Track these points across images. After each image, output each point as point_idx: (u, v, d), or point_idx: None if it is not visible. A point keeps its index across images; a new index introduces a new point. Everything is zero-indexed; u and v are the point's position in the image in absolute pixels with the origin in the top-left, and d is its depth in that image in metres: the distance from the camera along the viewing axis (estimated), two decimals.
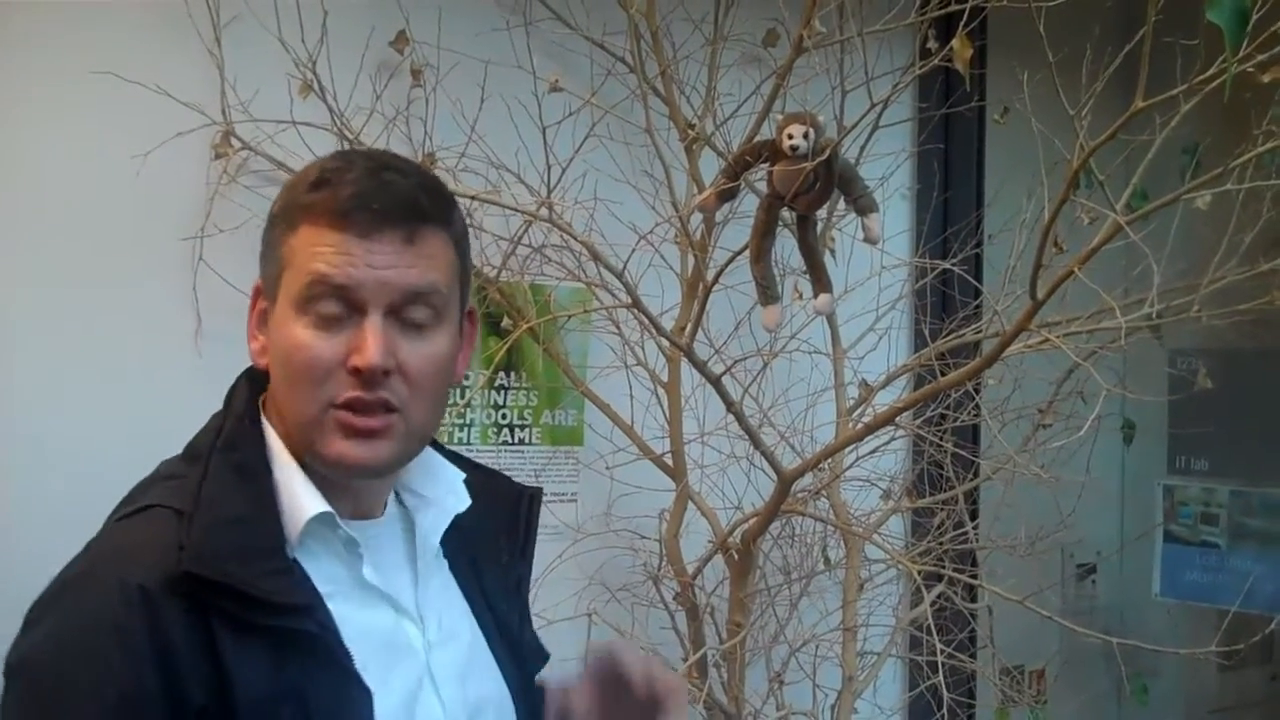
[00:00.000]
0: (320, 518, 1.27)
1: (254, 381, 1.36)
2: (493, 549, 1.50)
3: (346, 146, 2.41)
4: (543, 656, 1.55)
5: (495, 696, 1.43)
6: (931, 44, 2.56)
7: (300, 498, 1.27)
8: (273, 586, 1.21)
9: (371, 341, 1.24)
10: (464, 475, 1.47)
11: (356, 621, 1.28)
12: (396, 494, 1.44)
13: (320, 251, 1.25)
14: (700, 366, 2.27)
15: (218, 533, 1.22)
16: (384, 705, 1.26)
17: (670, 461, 2.63)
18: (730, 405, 2.28)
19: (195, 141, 2.35)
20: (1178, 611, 3.55)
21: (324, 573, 1.28)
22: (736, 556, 2.54)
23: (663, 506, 2.65)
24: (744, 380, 2.63)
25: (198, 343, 2.38)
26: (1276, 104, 1.77)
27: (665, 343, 2.52)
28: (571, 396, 2.76)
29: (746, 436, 2.36)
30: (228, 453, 1.29)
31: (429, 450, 1.44)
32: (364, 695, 1.25)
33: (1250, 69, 1.59)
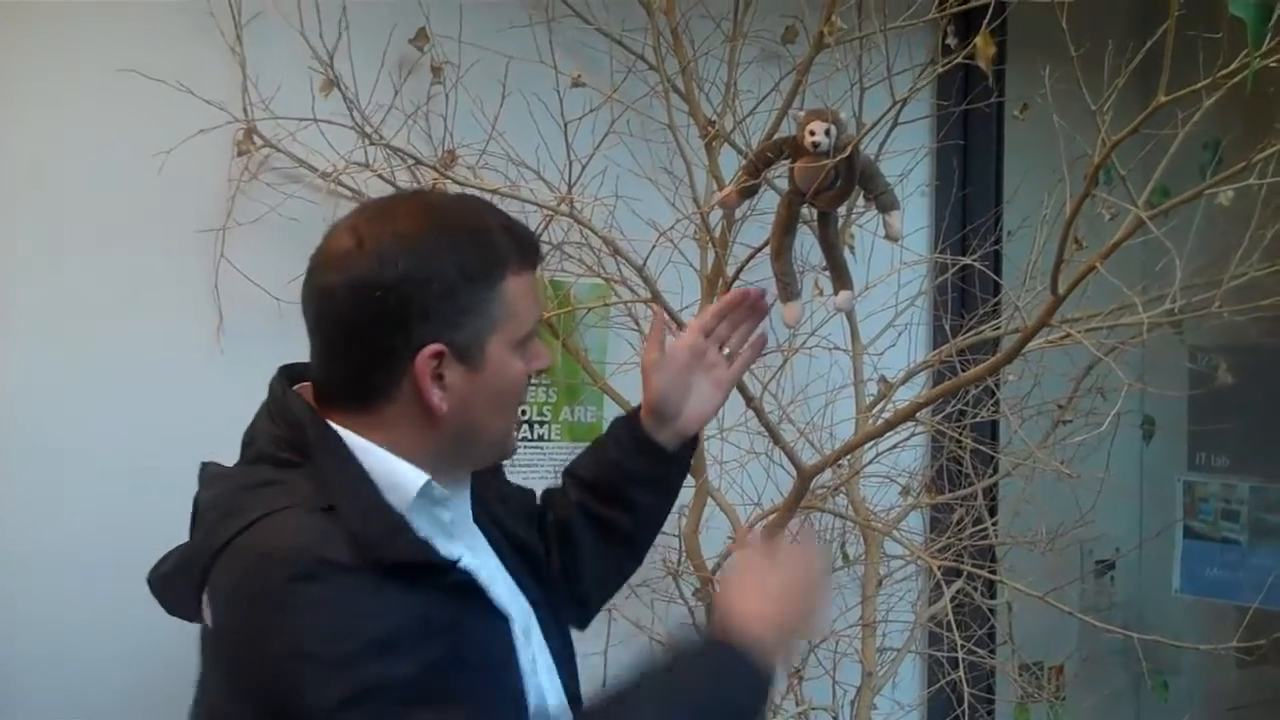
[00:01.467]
0: (423, 488, 1.42)
1: (295, 379, 1.50)
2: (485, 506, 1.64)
3: (368, 144, 2.42)
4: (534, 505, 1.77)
5: (525, 608, 1.57)
6: (951, 40, 2.56)
7: (401, 475, 1.41)
8: (426, 554, 1.37)
9: (547, 349, 1.53)
10: None
11: (473, 568, 1.45)
12: None
13: (532, 296, 1.48)
14: None
15: (366, 522, 1.35)
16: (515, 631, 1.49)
17: None
18: (750, 401, 2.28)
19: (217, 138, 2.36)
20: (1198, 608, 3.54)
21: (422, 526, 1.42)
22: None
23: (682, 502, 2.65)
24: (763, 376, 2.63)
25: (219, 338, 2.40)
26: None
27: None
28: (591, 392, 2.76)
29: (766, 432, 2.36)
30: (327, 451, 1.41)
31: None
32: (507, 626, 1.47)
33: (1274, 63, 1.59)
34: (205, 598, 1.37)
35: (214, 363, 2.39)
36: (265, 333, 2.38)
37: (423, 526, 1.42)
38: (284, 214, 2.43)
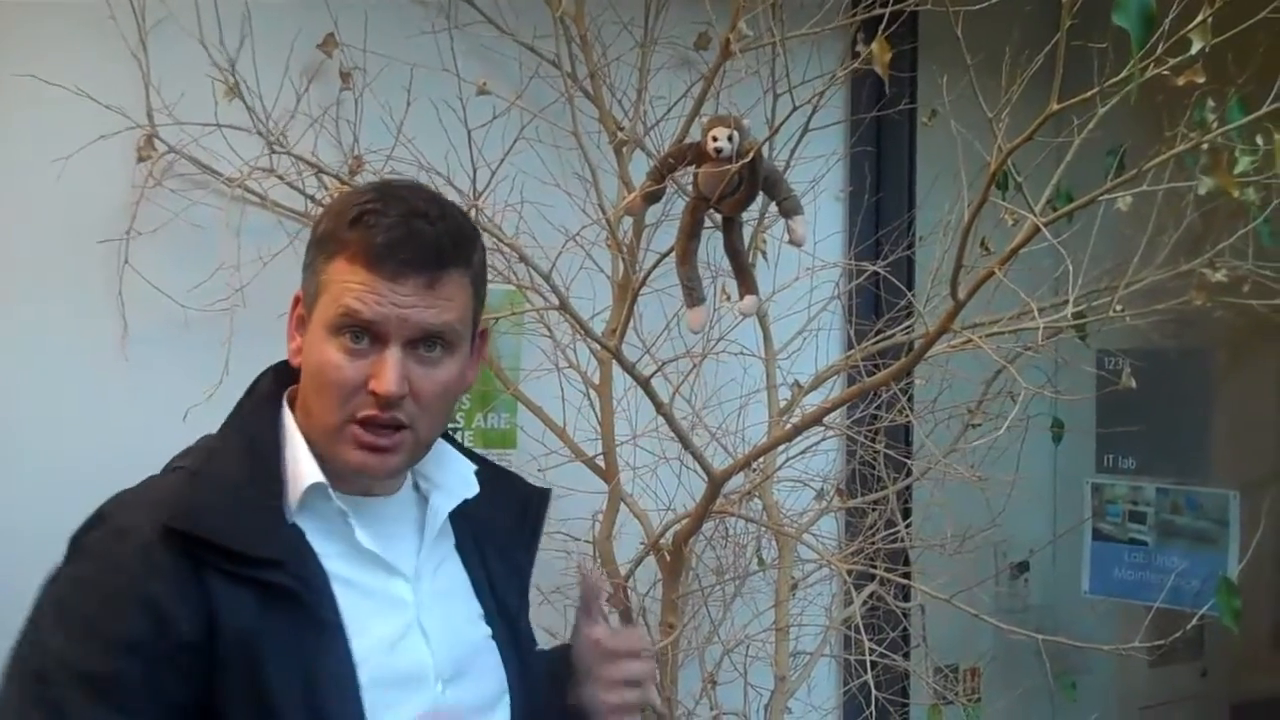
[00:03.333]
0: (314, 488, 1.46)
1: (280, 375, 1.57)
2: (499, 539, 1.69)
3: (272, 151, 2.40)
4: (534, 644, 1.76)
5: (492, 678, 1.60)
6: (860, 47, 2.58)
7: (301, 470, 1.47)
8: (250, 540, 1.39)
9: (390, 372, 1.44)
10: (475, 467, 1.66)
11: (345, 577, 1.46)
12: (414, 481, 1.63)
13: (352, 288, 1.44)
14: (629, 368, 2.28)
15: (212, 491, 1.42)
16: (362, 645, 1.44)
17: (602, 463, 2.63)
18: (660, 406, 2.28)
19: (119, 145, 2.33)
20: (1110, 609, 3.58)
21: (323, 537, 1.46)
22: (669, 557, 2.55)
23: (595, 508, 2.66)
24: (675, 380, 2.63)
25: (125, 346, 2.36)
26: (1197, 106, 1.79)
27: (596, 345, 2.52)
28: (504, 399, 2.75)
29: (677, 438, 2.36)
30: (242, 429, 1.51)
31: (444, 445, 1.64)
32: (339, 641, 1.42)
33: (1165, 72, 1.61)
34: None
35: (119, 371, 2.35)
36: (171, 340, 2.36)
37: (321, 534, 1.46)
38: (189, 221, 2.40)
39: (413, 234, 1.45)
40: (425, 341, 1.47)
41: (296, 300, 1.53)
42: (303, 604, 1.41)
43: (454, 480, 1.64)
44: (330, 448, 1.49)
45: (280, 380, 1.57)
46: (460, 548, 1.65)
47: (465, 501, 1.62)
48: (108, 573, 1.38)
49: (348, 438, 1.47)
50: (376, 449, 1.48)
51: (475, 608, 1.63)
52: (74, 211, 2.34)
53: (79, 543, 1.43)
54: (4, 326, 2.30)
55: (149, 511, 1.40)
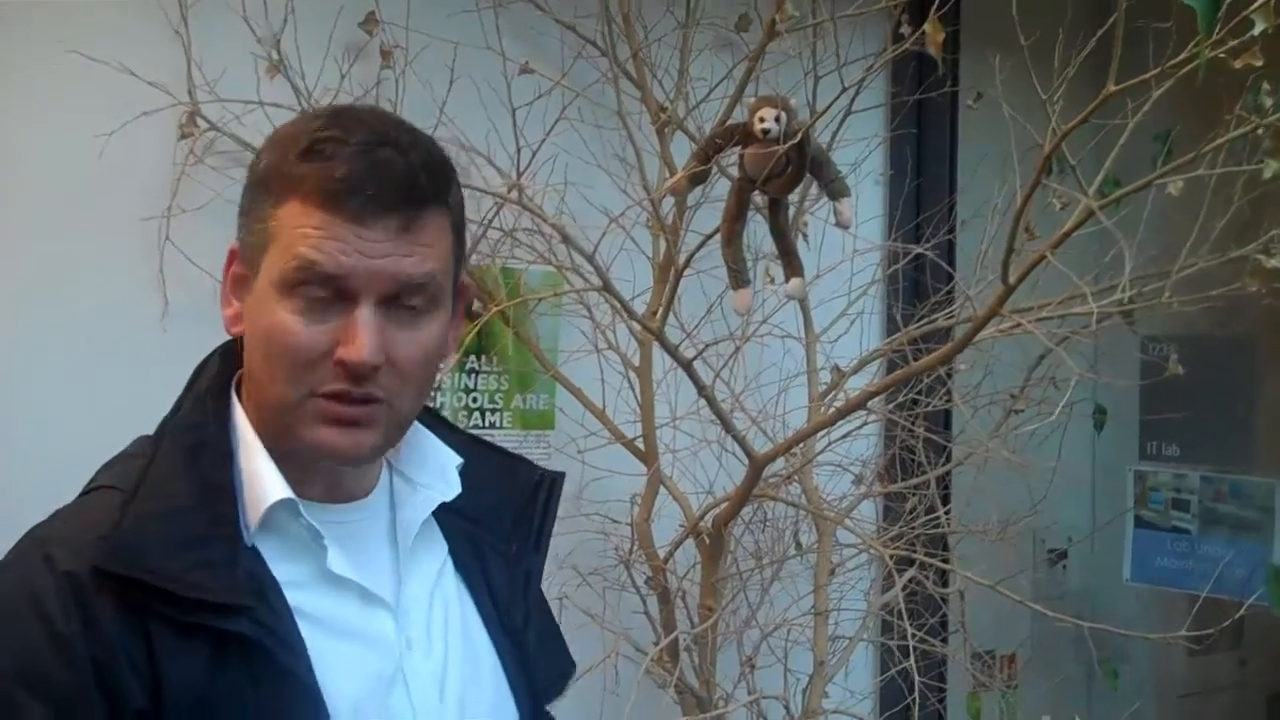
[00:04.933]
0: (281, 504, 1.21)
1: (227, 358, 1.30)
2: (501, 542, 1.42)
3: None
4: (559, 670, 1.48)
5: (491, 713, 1.35)
6: (905, 29, 2.56)
7: (262, 482, 1.21)
8: (202, 581, 1.14)
9: (364, 337, 1.17)
10: (459, 460, 1.38)
11: (316, 612, 1.22)
12: (391, 475, 1.37)
13: (308, 234, 1.16)
14: (672, 350, 2.26)
15: (150, 522, 1.16)
16: (341, 704, 1.19)
17: (641, 446, 2.62)
18: (702, 389, 2.27)
19: (161, 121, 2.32)
20: (1149, 596, 3.56)
21: (287, 559, 1.22)
22: (708, 541, 2.53)
23: (634, 491, 2.64)
24: (715, 365, 2.62)
25: (164, 324, 2.36)
26: (1249, 90, 1.76)
27: (637, 327, 2.51)
28: (542, 380, 2.74)
29: (718, 421, 2.35)
30: (182, 433, 1.24)
31: (422, 432, 1.37)
32: (309, 699, 1.17)
33: (1223, 54, 1.59)
34: None
35: (159, 348, 2.35)
36: (211, 318, 2.33)
37: (284, 559, 1.22)
38: (229, 198, 2.39)
39: (379, 165, 1.17)
40: (403, 297, 1.20)
41: (232, 255, 1.26)
42: (269, 658, 1.16)
43: (431, 479, 1.36)
44: (286, 431, 1.21)
45: (228, 365, 1.29)
46: (458, 561, 1.38)
47: (457, 502, 1.36)
48: (30, 617, 1.12)
49: (309, 412, 1.20)
50: (346, 422, 1.20)
51: (483, 639, 1.37)
52: (115, 188, 2.33)
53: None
54: (45, 303, 2.29)
55: (77, 542, 1.15)
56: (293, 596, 1.20)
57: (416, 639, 1.29)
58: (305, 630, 1.19)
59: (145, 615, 1.12)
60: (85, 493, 1.25)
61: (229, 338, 1.31)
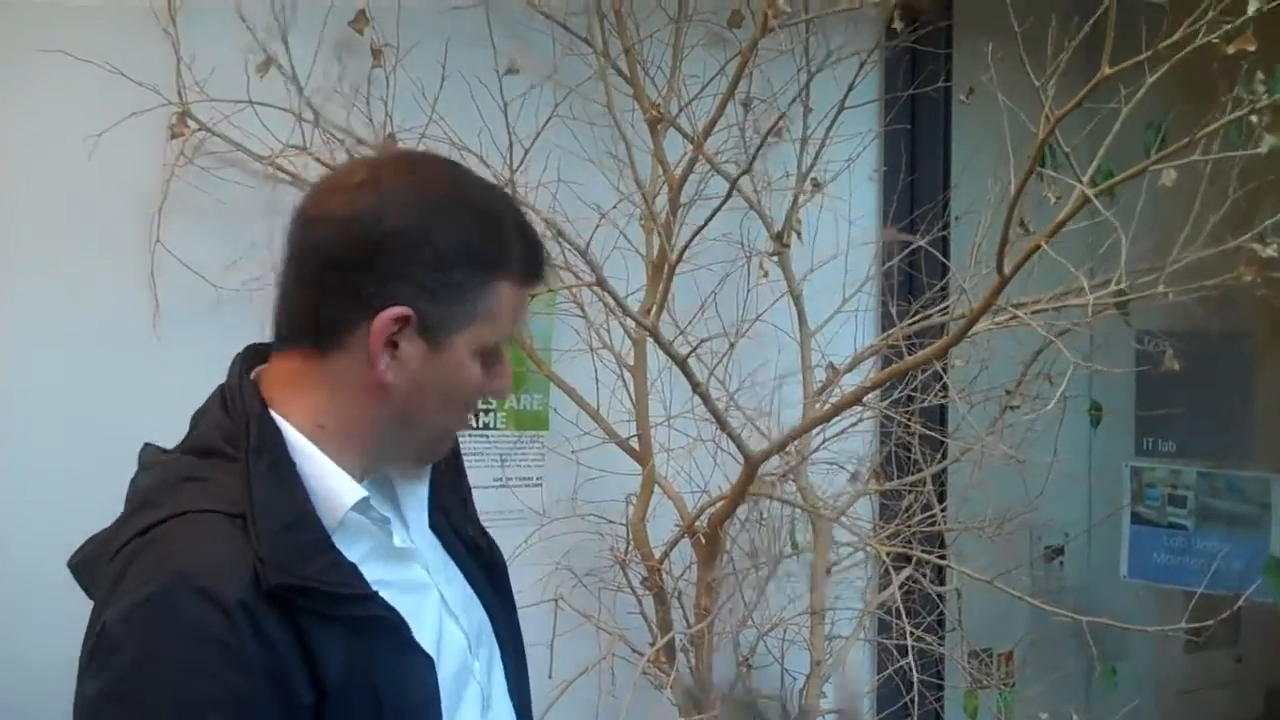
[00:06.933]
0: (358, 505, 1.35)
1: (245, 373, 1.41)
2: (437, 475, 1.56)
3: (306, 125, 2.38)
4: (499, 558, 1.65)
5: (481, 617, 1.53)
6: (897, 24, 2.56)
7: (336, 487, 1.34)
8: (338, 579, 1.29)
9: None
10: None
11: (392, 581, 1.37)
12: None
13: (519, 314, 1.40)
14: (666, 347, 2.25)
15: (283, 538, 1.27)
16: (433, 652, 1.38)
17: (636, 445, 2.61)
18: (696, 386, 2.26)
19: (151, 122, 2.31)
20: (1145, 593, 3.56)
21: (354, 544, 1.36)
22: (704, 540, 2.52)
23: (629, 490, 2.63)
24: (710, 362, 2.61)
25: (155, 325, 2.34)
26: (1244, 77, 1.75)
27: (630, 324, 2.50)
28: (536, 380, 2.73)
29: (713, 419, 2.34)
30: (259, 455, 1.32)
31: None
32: (424, 660, 1.35)
33: (1215, 39, 1.58)
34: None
35: (151, 351, 2.34)
36: (202, 319, 2.35)
37: (354, 544, 1.35)
38: (220, 199, 2.39)
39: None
40: None
41: (400, 320, 1.33)
42: (391, 632, 1.33)
43: None
44: (408, 459, 1.46)
45: (251, 365, 1.44)
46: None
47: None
48: (210, 644, 1.22)
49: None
50: None
51: (457, 575, 1.54)
52: (105, 189, 2.32)
53: (130, 632, 1.23)
54: (35, 304, 2.28)
55: (228, 569, 1.24)
56: (367, 573, 1.34)
57: (438, 578, 1.48)
58: (392, 600, 1.34)
59: (298, 620, 1.25)
60: (163, 520, 1.29)
61: (238, 350, 1.45)
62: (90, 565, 1.38)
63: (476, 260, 1.35)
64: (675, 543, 2.60)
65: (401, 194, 1.34)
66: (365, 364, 1.34)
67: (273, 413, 1.36)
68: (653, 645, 2.53)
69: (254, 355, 1.45)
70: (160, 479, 1.36)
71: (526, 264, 1.38)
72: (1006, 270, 1.84)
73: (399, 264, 1.32)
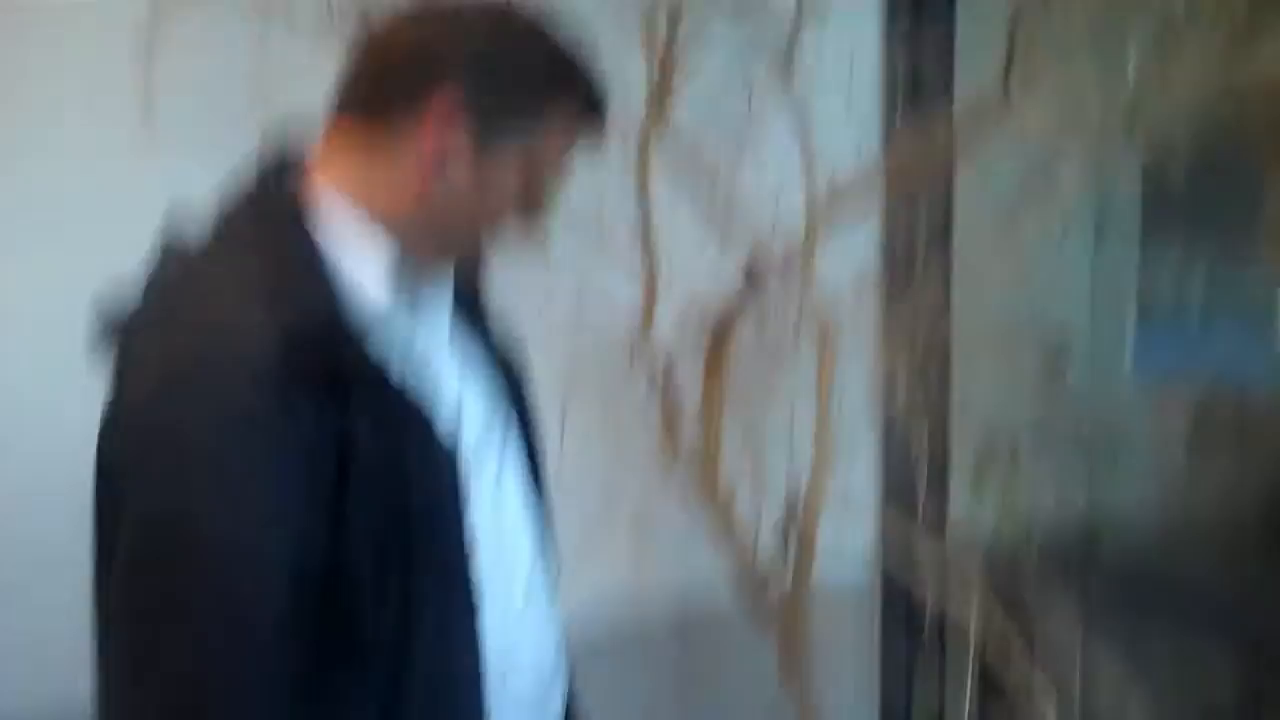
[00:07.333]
0: (385, 295, 1.39)
1: (281, 157, 1.42)
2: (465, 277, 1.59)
3: None
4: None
5: (500, 415, 1.57)
6: None
7: (365, 277, 1.38)
8: (369, 368, 1.31)
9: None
10: None
11: (414, 375, 1.37)
12: None
13: (568, 148, 1.43)
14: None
15: (313, 326, 1.28)
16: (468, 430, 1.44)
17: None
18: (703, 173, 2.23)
19: None
20: (1151, 394, 3.57)
21: (384, 336, 1.36)
22: (712, 343, 2.57)
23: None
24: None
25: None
26: None
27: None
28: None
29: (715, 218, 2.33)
30: (294, 240, 1.35)
31: None
32: (452, 456, 1.37)
33: None
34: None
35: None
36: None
37: (380, 334, 1.36)
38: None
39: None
40: None
41: (457, 106, 1.36)
42: (418, 422, 1.35)
43: None
44: (435, 253, 1.45)
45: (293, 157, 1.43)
46: None
47: None
48: (263, 394, 1.23)
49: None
50: None
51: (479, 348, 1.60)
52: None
53: (180, 391, 1.24)
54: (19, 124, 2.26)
55: (252, 357, 1.24)
56: (393, 363, 1.35)
57: (454, 364, 1.53)
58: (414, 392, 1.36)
59: (327, 406, 1.26)
60: (181, 300, 1.32)
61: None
62: (114, 338, 1.37)
63: (539, 83, 1.40)
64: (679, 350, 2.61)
65: (480, 9, 1.40)
66: (413, 147, 1.37)
67: (306, 194, 1.38)
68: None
69: (289, 141, 1.45)
70: (187, 263, 1.37)
71: (588, 104, 1.42)
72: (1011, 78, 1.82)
73: (466, 58, 1.37)
